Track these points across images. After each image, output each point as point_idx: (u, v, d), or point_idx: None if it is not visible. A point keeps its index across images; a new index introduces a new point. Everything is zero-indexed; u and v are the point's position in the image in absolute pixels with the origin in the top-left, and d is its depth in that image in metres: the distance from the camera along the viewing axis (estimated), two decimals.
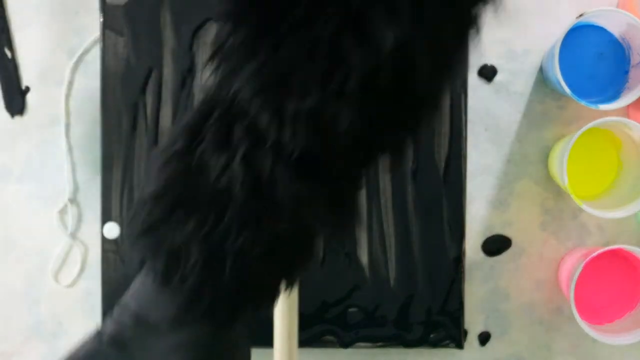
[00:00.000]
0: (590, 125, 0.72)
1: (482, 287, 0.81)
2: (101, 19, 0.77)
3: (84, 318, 0.81)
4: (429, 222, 0.77)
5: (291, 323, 0.69)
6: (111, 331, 0.52)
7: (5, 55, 0.80)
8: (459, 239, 0.77)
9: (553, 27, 0.80)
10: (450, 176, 0.77)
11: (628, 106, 0.78)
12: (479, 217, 0.81)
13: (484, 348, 0.81)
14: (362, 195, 0.77)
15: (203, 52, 0.77)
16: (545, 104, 0.81)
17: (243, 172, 0.48)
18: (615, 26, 0.78)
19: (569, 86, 0.74)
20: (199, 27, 0.77)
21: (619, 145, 0.79)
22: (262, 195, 0.48)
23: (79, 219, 0.81)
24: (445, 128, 0.77)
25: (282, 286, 0.53)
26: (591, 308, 0.79)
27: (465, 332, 0.80)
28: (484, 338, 0.81)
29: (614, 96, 0.78)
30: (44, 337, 0.81)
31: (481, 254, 0.81)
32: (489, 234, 0.81)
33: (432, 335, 0.77)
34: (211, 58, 0.49)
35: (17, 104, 0.81)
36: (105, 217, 0.77)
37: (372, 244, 0.77)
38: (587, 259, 0.73)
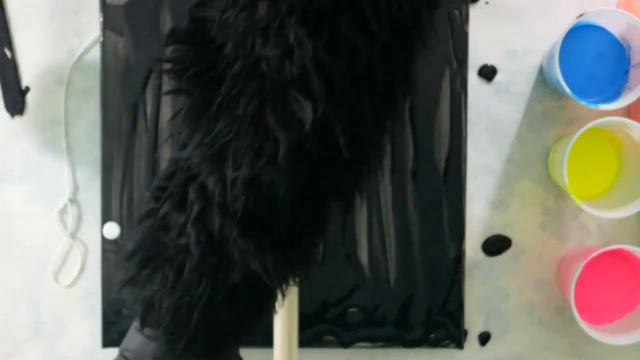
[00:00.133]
0: (590, 125, 0.72)
1: (482, 287, 0.81)
2: (101, 19, 0.77)
3: (84, 318, 0.81)
4: (429, 222, 0.77)
5: (291, 323, 0.69)
6: None
7: (5, 55, 0.80)
8: (459, 239, 0.77)
9: (553, 27, 0.80)
10: (450, 176, 0.77)
11: (628, 106, 0.78)
12: (479, 217, 0.81)
13: (484, 348, 0.81)
14: (359, 199, 0.77)
15: None
16: (545, 104, 0.81)
17: (197, 231, 0.53)
18: (615, 26, 0.78)
19: (569, 86, 0.74)
20: None
21: (619, 145, 0.79)
22: (215, 250, 0.54)
23: (79, 219, 0.81)
24: (445, 128, 0.77)
25: (252, 324, 0.59)
26: (591, 308, 0.79)
27: (465, 332, 0.80)
28: (484, 338, 0.81)
29: (614, 96, 0.78)
30: (44, 337, 0.81)
31: (481, 254, 0.81)
32: (489, 234, 0.81)
33: (432, 335, 0.77)
34: (169, 127, 0.54)
35: (17, 104, 0.81)
36: (105, 217, 0.77)
37: (372, 244, 0.77)
38: (587, 259, 0.73)
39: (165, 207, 0.55)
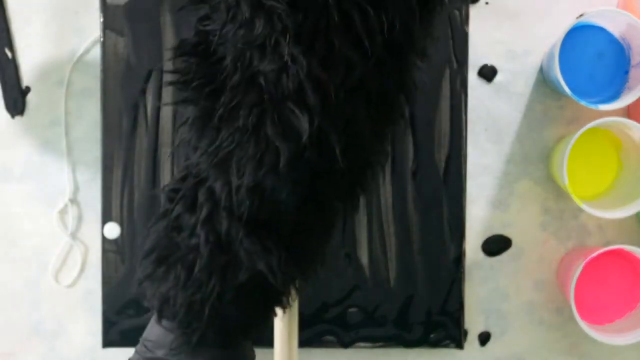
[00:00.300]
0: (590, 125, 0.72)
1: (482, 287, 0.81)
2: (101, 19, 0.77)
3: (84, 318, 0.81)
4: (429, 222, 0.77)
5: (291, 323, 0.69)
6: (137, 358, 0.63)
7: (5, 55, 0.80)
8: (459, 239, 0.77)
9: (553, 27, 0.80)
10: (450, 176, 0.77)
11: (628, 106, 0.78)
12: (479, 217, 0.81)
13: (484, 348, 0.81)
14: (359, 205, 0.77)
15: None
16: (545, 104, 0.81)
17: (206, 232, 0.56)
18: (615, 26, 0.78)
19: (569, 86, 0.74)
20: None
21: (619, 145, 0.79)
22: (223, 251, 0.56)
23: (79, 219, 0.81)
24: (445, 128, 0.77)
25: (265, 317, 0.62)
26: (591, 308, 0.79)
27: (465, 332, 0.80)
28: (484, 338, 0.81)
29: (614, 96, 0.78)
30: (44, 337, 0.81)
31: (481, 254, 0.81)
32: (489, 234, 0.81)
33: (432, 335, 0.77)
34: (178, 134, 0.56)
35: (17, 104, 0.81)
36: (105, 217, 0.77)
37: (372, 244, 0.77)
38: (587, 259, 0.73)
39: (178, 209, 0.58)
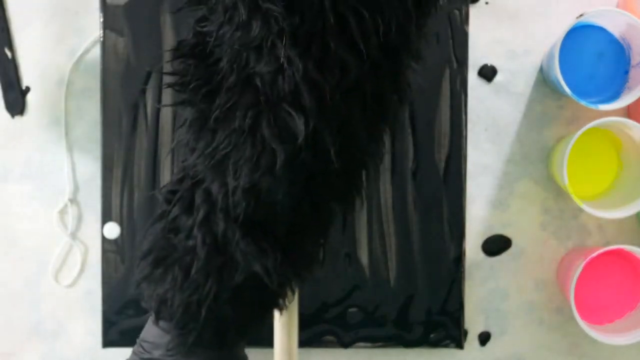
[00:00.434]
0: (590, 125, 0.72)
1: (482, 287, 0.81)
2: (101, 19, 0.77)
3: (84, 318, 0.81)
4: (429, 222, 0.77)
5: (291, 323, 0.69)
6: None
7: (5, 55, 0.80)
8: (459, 239, 0.77)
9: (553, 27, 0.80)
10: (450, 176, 0.77)
11: (628, 106, 0.78)
12: (479, 217, 0.81)
13: (484, 348, 0.81)
14: (359, 202, 0.77)
15: None
16: (545, 104, 0.81)
17: (203, 233, 0.56)
18: (615, 26, 0.78)
19: (569, 86, 0.74)
20: None
21: (619, 145, 0.79)
22: (220, 252, 0.57)
23: (79, 219, 0.81)
24: (445, 128, 0.77)
25: (261, 319, 0.62)
26: (591, 308, 0.79)
27: (465, 332, 0.80)
28: (484, 338, 0.81)
29: (614, 96, 0.78)
30: (44, 337, 0.81)
31: (481, 254, 0.81)
32: (489, 234, 0.81)
33: (432, 335, 0.77)
34: (176, 135, 0.56)
35: (17, 104, 0.81)
36: (105, 217, 0.77)
37: (372, 244, 0.77)
38: (587, 259, 0.73)
39: (175, 211, 0.58)
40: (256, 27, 0.49)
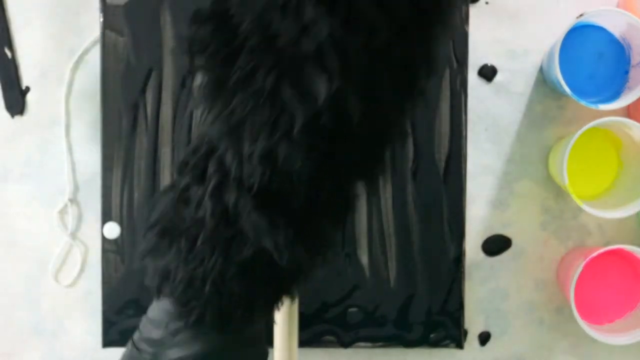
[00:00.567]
0: (590, 125, 0.72)
1: (482, 287, 0.81)
2: (101, 19, 0.77)
3: (84, 318, 0.81)
4: (429, 222, 0.77)
5: (291, 323, 0.69)
6: (136, 338, 0.60)
7: (5, 55, 0.80)
8: (459, 239, 0.77)
9: (553, 27, 0.80)
10: (450, 176, 0.77)
11: (628, 106, 0.78)
12: (479, 217, 0.81)
13: (484, 348, 0.81)
14: (361, 198, 0.77)
15: None
16: (545, 104, 0.81)
17: (212, 204, 0.54)
18: (615, 26, 0.78)
19: (569, 86, 0.74)
20: None
21: (619, 145, 0.79)
22: (229, 224, 0.54)
23: (79, 219, 0.81)
24: (445, 128, 0.77)
25: (269, 302, 0.59)
26: (591, 308, 0.79)
27: (465, 332, 0.80)
28: (484, 338, 0.81)
29: (614, 96, 0.78)
30: (44, 337, 0.81)
31: (481, 254, 0.81)
32: (489, 234, 0.81)
33: (432, 335, 0.77)
34: (191, 104, 0.54)
35: (17, 104, 0.81)
36: (105, 217, 0.77)
37: (372, 244, 0.77)
38: (587, 259, 0.73)
39: (186, 180, 0.56)
40: None
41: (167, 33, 0.77)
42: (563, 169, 0.72)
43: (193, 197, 0.56)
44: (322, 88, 0.48)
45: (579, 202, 0.73)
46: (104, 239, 0.77)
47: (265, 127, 0.50)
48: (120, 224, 0.77)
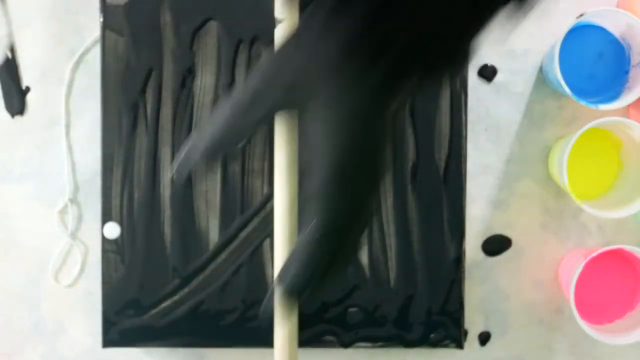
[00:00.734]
0: (590, 125, 0.72)
1: (482, 287, 0.81)
2: (101, 19, 0.77)
3: (84, 318, 0.81)
4: (429, 222, 0.77)
5: (291, 323, 0.69)
6: None
7: (6, 55, 0.80)
8: (459, 239, 0.77)
9: (553, 27, 0.80)
10: (450, 176, 0.77)
11: (628, 106, 0.78)
12: (479, 217, 0.81)
13: (484, 348, 0.81)
14: None
15: (203, 52, 0.77)
16: (545, 104, 0.81)
17: None
18: (615, 26, 0.78)
19: (569, 86, 0.74)
20: (199, 27, 0.77)
21: (619, 145, 0.79)
22: None
23: (79, 219, 0.81)
24: (445, 128, 0.77)
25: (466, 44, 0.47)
26: (591, 308, 0.79)
27: (465, 332, 0.80)
28: (484, 338, 0.81)
29: (614, 96, 0.78)
30: (44, 337, 0.81)
31: (481, 254, 0.81)
32: (489, 234, 0.81)
33: (432, 335, 0.77)
34: None
35: (17, 104, 0.81)
36: (105, 217, 0.77)
37: (372, 244, 0.77)
38: (587, 259, 0.73)
39: None
40: None
41: (167, 33, 0.77)
42: (563, 169, 0.72)
43: None
44: None
45: (579, 202, 0.73)
46: (104, 239, 0.77)
47: None
48: (120, 224, 0.77)
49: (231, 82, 0.77)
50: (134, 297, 0.77)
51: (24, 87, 0.81)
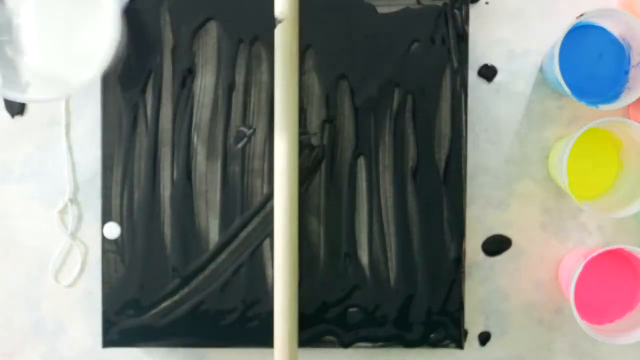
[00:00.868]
0: (590, 125, 0.72)
1: (482, 287, 0.81)
2: None
3: (84, 318, 0.81)
4: (429, 222, 0.77)
5: (291, 323, 0.69)
6: None
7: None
8: (459, 239, 0.77)
9: (553, 27, 0.80)
10: (450, 176, 0.77)
11: (628, 106, 0.78)
12: (479, 217, 0.81)
13: (484, 348, 0.81)
14: (363, 194, 0.77)
15: (203, 52, 0.77)
16: (545, 104, 0.81)
17: None
18: (615, 26, 0.78)
19: (569, 86, 0.74)
20: (199, 27, 0.77)
21: (619, 145, 0.79)
22: None
23: (79, 219, 0.81)
24: (446, 128, 0.77)
25: None
26: (591, 308, 0.79)
27: (465, 332, 0.80)
28: (484, 338, 0.81)
29: (614, 96, 0.78)
30: (44, 337, 0.81)
31: (481, 254, 0.81)
32: (489, 234, 0.81)
33: (432, 335, 0.77)
34: None
35: (17, 104, 0.81)
36: (105, 217, 0.77)
37: (372, 244, 0.77)
38: (587, 259, 0.73)
39: None
40: None
41: (167, 33, 0.77)
42: (563, 169, 0.72)
43: None
44: None
45: (579, 202, 0.73)
46: (104, 239, 0.77)
47: None
48: (120, 224, 0.77)
49: (231, 82, 0.77)
50: (134, 297, 0.77)
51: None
